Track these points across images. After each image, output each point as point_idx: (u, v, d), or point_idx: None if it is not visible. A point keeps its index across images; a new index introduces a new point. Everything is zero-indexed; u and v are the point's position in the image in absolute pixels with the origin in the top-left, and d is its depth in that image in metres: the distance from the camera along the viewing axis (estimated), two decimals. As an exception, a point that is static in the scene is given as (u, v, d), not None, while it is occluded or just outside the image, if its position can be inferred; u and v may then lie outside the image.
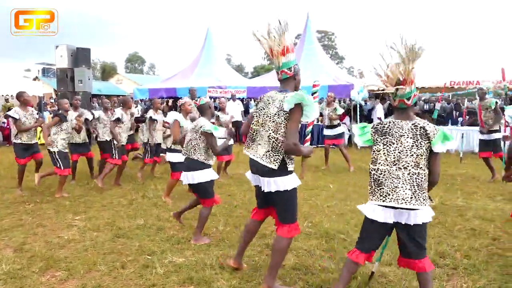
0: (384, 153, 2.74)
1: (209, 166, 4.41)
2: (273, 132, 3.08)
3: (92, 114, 7.79)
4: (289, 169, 3.12)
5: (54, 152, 6.37)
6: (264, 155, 3.09)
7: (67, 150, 6.61)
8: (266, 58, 65.87)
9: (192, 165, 4.32)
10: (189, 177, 4.34)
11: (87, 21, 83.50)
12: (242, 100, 16.31)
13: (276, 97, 3.16)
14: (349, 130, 14.07)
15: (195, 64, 18.33)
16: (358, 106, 13.40)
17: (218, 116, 7.91)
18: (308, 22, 17.17)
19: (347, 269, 2.89)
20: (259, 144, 3.16)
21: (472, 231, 4.75)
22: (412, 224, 2.69)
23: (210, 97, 18.06)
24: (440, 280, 3.48)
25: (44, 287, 3.42)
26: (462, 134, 11.72)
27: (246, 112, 16.46)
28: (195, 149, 4.33)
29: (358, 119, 13.48)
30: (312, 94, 4.01)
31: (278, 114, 3.07)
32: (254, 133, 3.23)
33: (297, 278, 3.52)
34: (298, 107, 3.01)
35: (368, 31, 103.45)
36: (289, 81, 3.21)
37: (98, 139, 7.67)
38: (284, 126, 3.06)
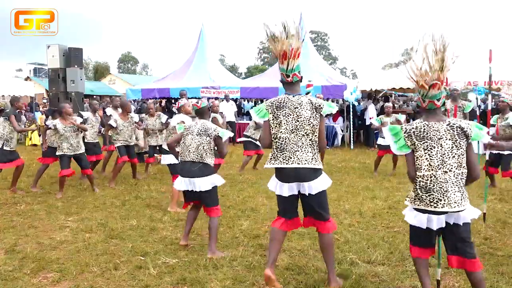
0: (426, 158, 2.71)
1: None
2: (312, 135, 3.15)
3: (81, 116, 7.75)
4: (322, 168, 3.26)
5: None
6: (312, 158, 3.14)
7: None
8: (259, 59, 65.99)
9: (206, 170, 4.09)
10: (199, 184, 4.05)
11: (79, 21, 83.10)
12: (235, 100, 16.31)
13: (300, 101, 3.19)
14: (342, 130, 14.12)
15: (189, 65, 18.29)
16: (351, 106, 13.45)
17: (215, 117, 7.91)
18: (301, 22, 17.21)
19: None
20: (296, 151, 3.14)
21: (464, 231, 4.78)
22: (461, 224, 2.70)
23: (203, 98, 18.04)
24: (432, 279, 3.50)
25: (36, 289, 3.39)
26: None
27: (239, 112, 16.46)
28: (207, 153, 4.12)
29: (351, 120, 13.54)
30: (306, 94, 4.04)
31: (314, 117, 3.15)
32: (284, 142, 3.19)
33: (291, 278, 3.53)
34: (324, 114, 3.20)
35: (361, 32, 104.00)
36: (298, 84, 3.29)
37: (85, 141, 7.63)
38: (317, 129, 3.18)
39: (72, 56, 12.45)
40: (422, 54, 2.74)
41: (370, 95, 14.30)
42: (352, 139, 13.33)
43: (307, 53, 16.26)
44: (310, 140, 3.17)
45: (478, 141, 3.01)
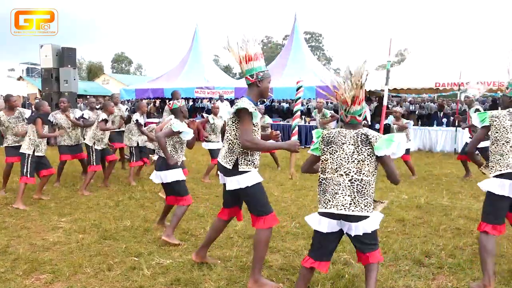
0: (330, 162, 2.81)
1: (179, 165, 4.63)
2: (229, 135, 3.35)
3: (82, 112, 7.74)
4: (240, 170, 3.30)
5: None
6: (223, 155, 3.38)
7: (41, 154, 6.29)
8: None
9: (163, 164, 4.52)
10: (159, 176, 4.56)
11: (73, 21, 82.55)
12: (230, 100, 16.32)
13: (235, 103, 3.38)
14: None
15: (183, 65, 18.27)
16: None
17: (208, 118, 7.93)
18: (295, 23, 17.25)
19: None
20: (223, 146, 3.46)
21: (457, 231, 4.83)
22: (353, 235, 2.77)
23: (197, 98, 18.04)
24: (425, 279, 3.52)
25: (29, 290, 3.37)
26: (446, 134, 11.91)
27: (234, 112, 16.40)
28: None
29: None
30: (297, 90, 4.10)
31: (231, 118, 3.34)
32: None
33: (285, 278, 3.53)
34: (244, 112, 3.18)
35: (355, 32, 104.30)
36: (252, 87, 3.38)
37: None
38: (235, 129, 3.31)
39: (66, 56, 12.38)
40: (344, 74, 2.93)
41: (366, 97, 14.36)
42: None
43: (301, 53, 16.33)
44: (227, 138, 3.40)
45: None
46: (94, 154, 6.91)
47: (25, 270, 3.69)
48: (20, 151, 6.15)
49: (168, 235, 4.30)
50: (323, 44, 65.59)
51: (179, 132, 4.46)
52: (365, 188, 2.71)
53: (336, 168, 2.75)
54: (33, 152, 6.10)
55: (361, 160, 2.71)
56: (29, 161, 6.07)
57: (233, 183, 3.32)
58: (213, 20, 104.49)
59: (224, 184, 3.50)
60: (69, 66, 12.53)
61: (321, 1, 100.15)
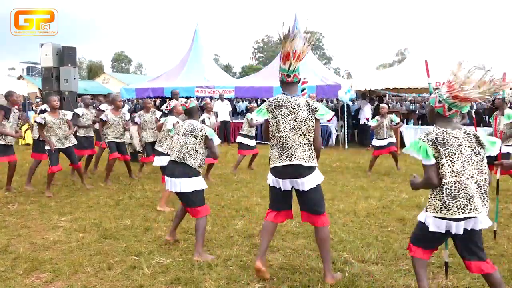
0: (449, 165, 2.69)
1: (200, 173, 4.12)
2: (308, 135, 3.31)
3: (74, 113, 7.71)
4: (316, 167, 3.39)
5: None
6: (309, 157, 3.30)
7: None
8: (254, 58, 65.95)
9: (186, 171, 3.98)
10: (179, 184, 3.98)
11: (73, 20, 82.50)
12: (230, 100, 16.32)
13: (298, 102, 3.33)
14: (336, 130, 14.16)
15: (183, 64, 18.25)
16: (345, 106, 13.49)
17: (203, 119, 7.84)
18: (296, 22, 17.23)
19: None
20: (295, 149, 3.29)
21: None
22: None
23: (197, 97, 18.04)
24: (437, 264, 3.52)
25: (29, 289, 3.37)
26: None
27: (234, 112, 16.44)
28: (190, 154, 4.00)
29: (346, 119, 13.58)
30: (302, 91, 4.06)
31: (310, 119, 3.30)
32: (284, 140, 3.32)
33: (285, 277, 3.53)
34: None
35: (355, 32, 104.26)
36: (296, 85, 3.42)
37: (78, 134, 7.64)
38: (313, 129, 3.33)
39: (66, 55, 12.36)
40: (474, 71, 2.74)
41: (365, 95, 14.35)
42: (346, 139, 13.37)
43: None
44: (307, 139, 3.31)
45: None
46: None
47: (26, 269, 3.69)
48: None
49: (201, 253, 3.90)
50: (323, 44, 65.56)
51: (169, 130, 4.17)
52: (486, 186, 2.72)
53: (461, 171, 2.66)
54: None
55: (480, 160, 2.70)
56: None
57: (314, 179, 3.33)
58: (213, 19, 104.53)
59: (284, 191, 3.41)
60: (70, 65, 12.51)
61: (322, 0, 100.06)
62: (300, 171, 3.29)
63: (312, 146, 3.34)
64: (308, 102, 3.34)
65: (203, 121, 7.74)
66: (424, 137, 2.76)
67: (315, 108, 3.32)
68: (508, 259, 3.94)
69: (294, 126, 3.30)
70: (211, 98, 16.76)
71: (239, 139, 8.74)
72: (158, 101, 19.03)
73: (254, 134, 8.73)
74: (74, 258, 3.93)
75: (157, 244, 4.34)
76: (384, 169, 8.56)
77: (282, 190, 3.41)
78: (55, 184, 7.24)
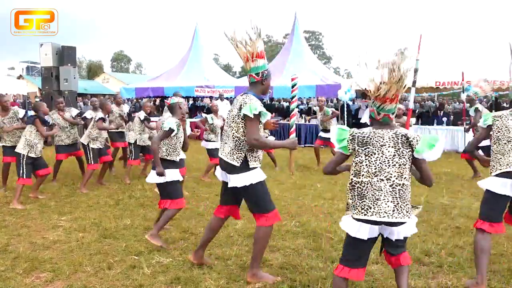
0: (366, 164, 2.62)
1: (174, 164, 4.32)
2: (236, 131, 3.31)
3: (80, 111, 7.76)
4: (250, 166, 3.33)
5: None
6: (231, 153, 3.32)
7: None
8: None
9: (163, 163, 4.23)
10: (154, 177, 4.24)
11: (73, 20, 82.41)
12: (230, 99, 16.33)
13: (238, 100, 3.37)
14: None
15: (183, 64, 18.26)
16: (345, 105, 13.49)
17: (206, 118, 7.90)
18: (295, 22, 17.23)
19: None
20: (225, 143, 3.42)
21: (457, 229, 4.83)
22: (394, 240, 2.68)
23: (198, 97, 18.03)
24: (425, 277, 3.53)
25: (29, 288, 3.37)
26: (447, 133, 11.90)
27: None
28: (161, 147, 4.29)
29: (346, 119, 13.58)
30: (292, 87, 4.06)
31: (238, 115, 3.29)
32: (225, 133, 3.47)
33: (284, 277, 3.53)
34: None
35: (355, 31, 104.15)
36: (257, 84, 3.40)
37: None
38: (243, 126, 3.28)
39: (66, 55, 12.36)
40: (388, 67, 2.66)
41: (364, 95, 14.36)
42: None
43: (301, 52, 16.31)
44: (233, 136, 3.34)
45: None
46: (91, 153, 6.91)
47: (25, 269, 3.69)
48: (15, 150, 6.13)
49: (152, 234, 4.16)
50: (323, 43, 65.52)
51: (172, 131, 4.19)
52: (405, 193, 2.59)
53: (375, 172, 2.57)
54: (27, 153, 6.06)
55: (403, 164, 2.57)
56: (24, 162, 6.03)
57: (239, 180, 3.31)
58: (213, 18, 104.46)
59: (224, 182, 3.50)
60: (69, 64, 12.50)
61: (321, 0, 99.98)
62: (224, 165, 3.40)
63: (241, 144, 3.28)
64: (244, 102, 3.25)
65: (206, 120, 7.85)
66: (354, 131, 2.71)
67: (243, 104, 3.25)
68: (508, 258, 3.94)
69: (228, 120, 3.44)
70: (211, 97, 16.76)
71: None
72: (158, 100, 19.02)
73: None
74: (74, 258, 3.92)
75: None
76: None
77: (222, 180, 3.55)
78: (48, 182, 7.25)
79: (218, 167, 3.57)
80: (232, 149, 3.32)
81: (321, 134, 9.60)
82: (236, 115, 3.32)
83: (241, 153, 3.31)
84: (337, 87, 13.15)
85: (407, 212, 2.59)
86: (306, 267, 3.71)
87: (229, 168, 3.35)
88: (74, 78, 12.31)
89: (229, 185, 3.39)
